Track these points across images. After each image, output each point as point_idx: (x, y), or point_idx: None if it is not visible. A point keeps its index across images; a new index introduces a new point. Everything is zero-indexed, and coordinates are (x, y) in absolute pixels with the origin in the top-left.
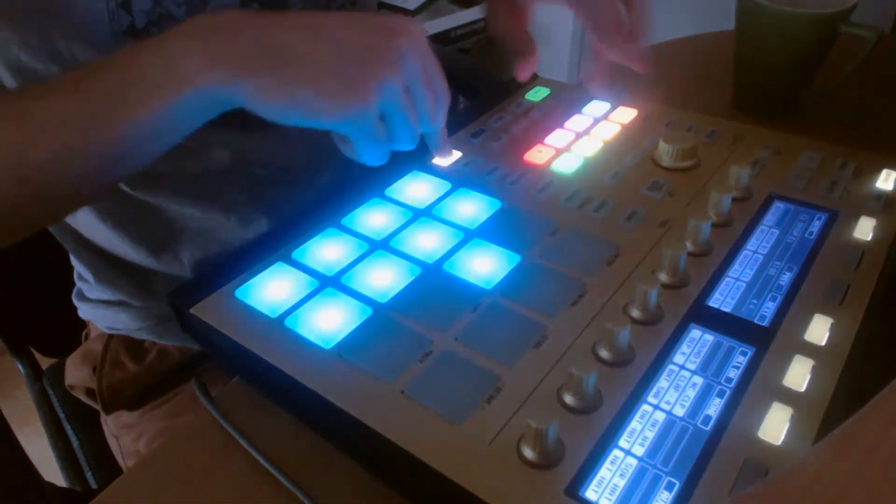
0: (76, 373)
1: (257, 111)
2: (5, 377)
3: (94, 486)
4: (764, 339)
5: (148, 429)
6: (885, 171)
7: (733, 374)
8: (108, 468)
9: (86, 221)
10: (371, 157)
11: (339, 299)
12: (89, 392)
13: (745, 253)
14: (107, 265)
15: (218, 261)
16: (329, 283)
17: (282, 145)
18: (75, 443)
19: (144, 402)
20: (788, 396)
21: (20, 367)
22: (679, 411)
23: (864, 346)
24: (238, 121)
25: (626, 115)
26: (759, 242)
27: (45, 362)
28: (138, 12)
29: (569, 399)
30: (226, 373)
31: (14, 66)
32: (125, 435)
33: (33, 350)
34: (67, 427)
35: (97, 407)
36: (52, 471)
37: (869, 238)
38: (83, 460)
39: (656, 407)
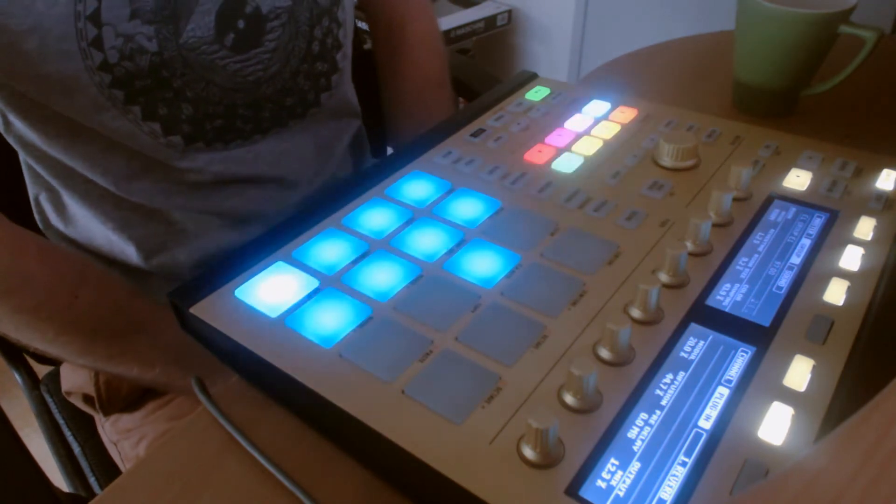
0: (72, 377)
1: None
2: (6, 376)
3: (98, 491)
4: (764, 339)
5: (149, 432)
6: (885, 171)
7: (733, 373)
8: (111, 473)
9: (85, 227)
10: None
11: (339, 299)
12: (86, 398)
13: (746, 253)
14: (104, 267)
15: (217, 260)
16: (329, 282)
17: (267, 158)
18: (76, 449)
19: (143, 402)
20: (788, 396)
21: (17, 377)
22: (679, 411)
23: (866, 345)
24: (221, 142)
25: (626, 115)
26: (760, 242)
27: (41, 370)
28: (109, 49)
29: (569, 399)
30: (225, 371)
31: None
32: (124, 440)
33: (28, 358)
34: (68, 433)
35: (93, 412)
36: (51, 472)
37: (869, 238)
38: (86, 466)
39: (656, 407)
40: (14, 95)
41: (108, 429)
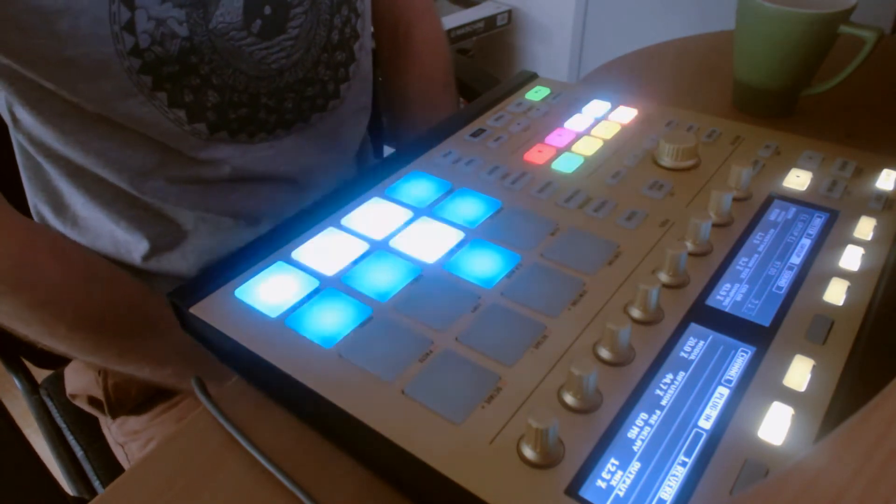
0: (78, 380)
1: None
2: (6, 377)
3: (102, 492)
4: (764, 339)
5: (157, 434)
6: (885, 171)
7: (733, 373)
8: (116, 475)
9: (90, 229)
10: None
11: (339, 299)
12: (91, 400)
13: (746, 253)
14: (113, 265)
15: (219, 260)
16: (329, 282)
17: (287, 155)
18: (79, 452)
19: (153, 405)
20: (788, 396)
21: (16, 381)
22: (679, 411)
23: (866, 345)
24: (245, 134)
25: (626, 115)
26: (760, 242)
27: (39, 374)
28: (141, 33)
29: (569, 399)
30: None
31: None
32: (132, 442)
33: (27, 362)
34: (70, 437)
35: (99, 415)
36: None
37: (869, 238)
38: (89, 469)
39: (656, 407)
40: (31, 89)
41: (115, 431)
